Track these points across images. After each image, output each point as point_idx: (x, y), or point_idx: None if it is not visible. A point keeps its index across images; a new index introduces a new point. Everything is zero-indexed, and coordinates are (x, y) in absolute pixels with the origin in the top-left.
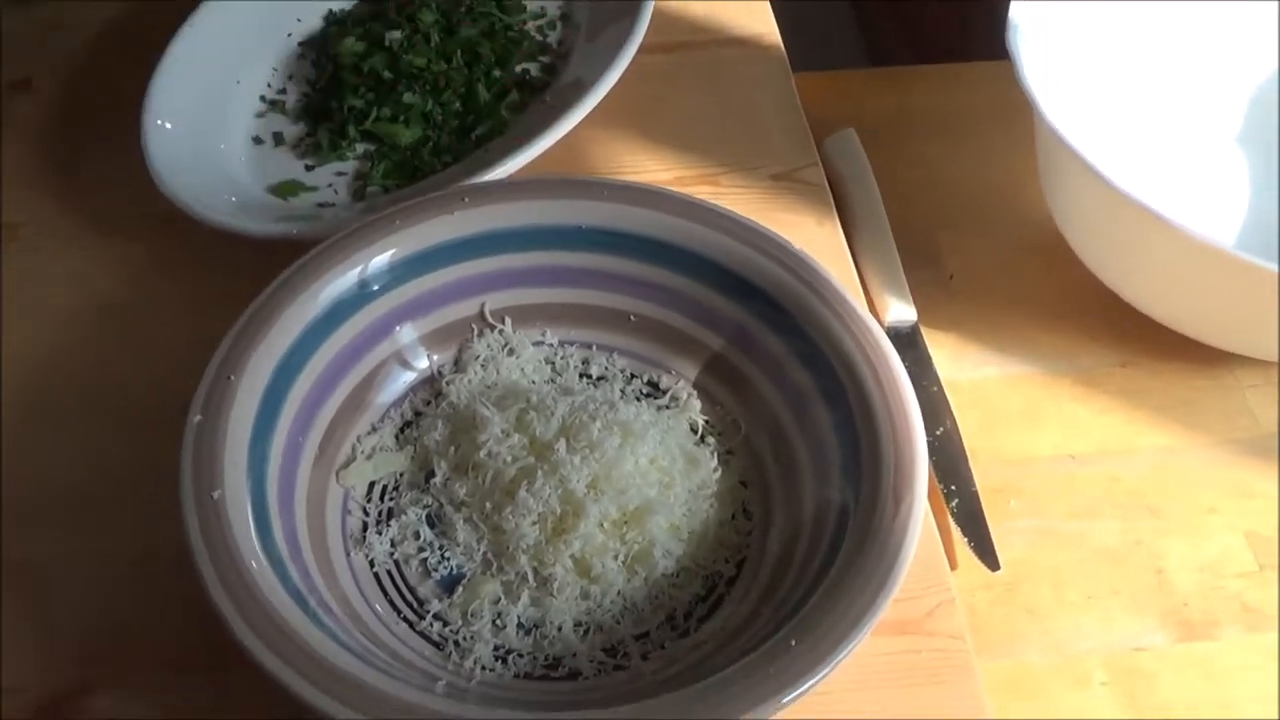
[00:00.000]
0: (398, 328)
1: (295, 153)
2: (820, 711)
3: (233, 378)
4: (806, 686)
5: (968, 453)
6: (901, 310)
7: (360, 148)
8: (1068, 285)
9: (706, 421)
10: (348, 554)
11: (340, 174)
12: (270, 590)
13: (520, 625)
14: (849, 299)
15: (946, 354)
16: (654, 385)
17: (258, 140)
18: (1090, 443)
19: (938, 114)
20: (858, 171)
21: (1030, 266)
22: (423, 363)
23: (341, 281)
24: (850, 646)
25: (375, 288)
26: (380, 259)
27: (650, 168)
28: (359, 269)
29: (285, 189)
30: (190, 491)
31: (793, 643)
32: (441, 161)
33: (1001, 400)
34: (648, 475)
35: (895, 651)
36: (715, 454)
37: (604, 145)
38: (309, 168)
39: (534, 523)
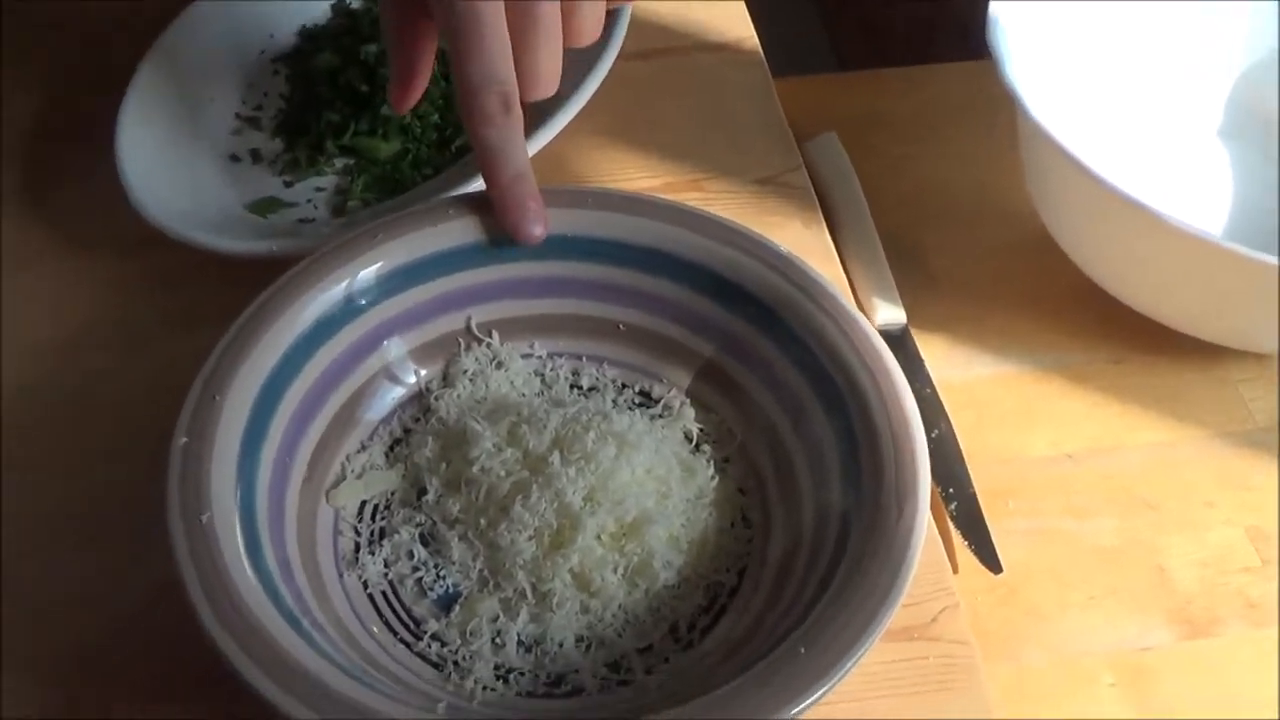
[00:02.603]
0: (385, 342)
1: (273, 169)
2: None
3: (218, 397)
4: (817, 695)
5: (964, 455)
6: (891, 312)
7: (339, 162)
8: (1056, 282)
9: (701, 430)
10: (340, 576)
11: (319, 189)
12: (265, 615)
13: (520, 643)
14: (842, 301)
15: (937, 355)
16: (646, 395)
17: (234, 158)
18: (1084, 440)
19: (914, 116)
20: (840, 175)
21: (1017, 265)
22: (410, 377)
23: (328, 296)
24: (860, 653)
25: (362, 302)
26: (367, 272)
27: (635, 175)
28: (345, 283)
29: (264, 206)
30: (178, 515)
31: (801, 650)
32: (421, 174)
33: (994, 400)
34: (644, 485)
35: (901, 659)
36: (711, 462)
37: (587, 154)
38: (287, 184)
39: (530, 537)
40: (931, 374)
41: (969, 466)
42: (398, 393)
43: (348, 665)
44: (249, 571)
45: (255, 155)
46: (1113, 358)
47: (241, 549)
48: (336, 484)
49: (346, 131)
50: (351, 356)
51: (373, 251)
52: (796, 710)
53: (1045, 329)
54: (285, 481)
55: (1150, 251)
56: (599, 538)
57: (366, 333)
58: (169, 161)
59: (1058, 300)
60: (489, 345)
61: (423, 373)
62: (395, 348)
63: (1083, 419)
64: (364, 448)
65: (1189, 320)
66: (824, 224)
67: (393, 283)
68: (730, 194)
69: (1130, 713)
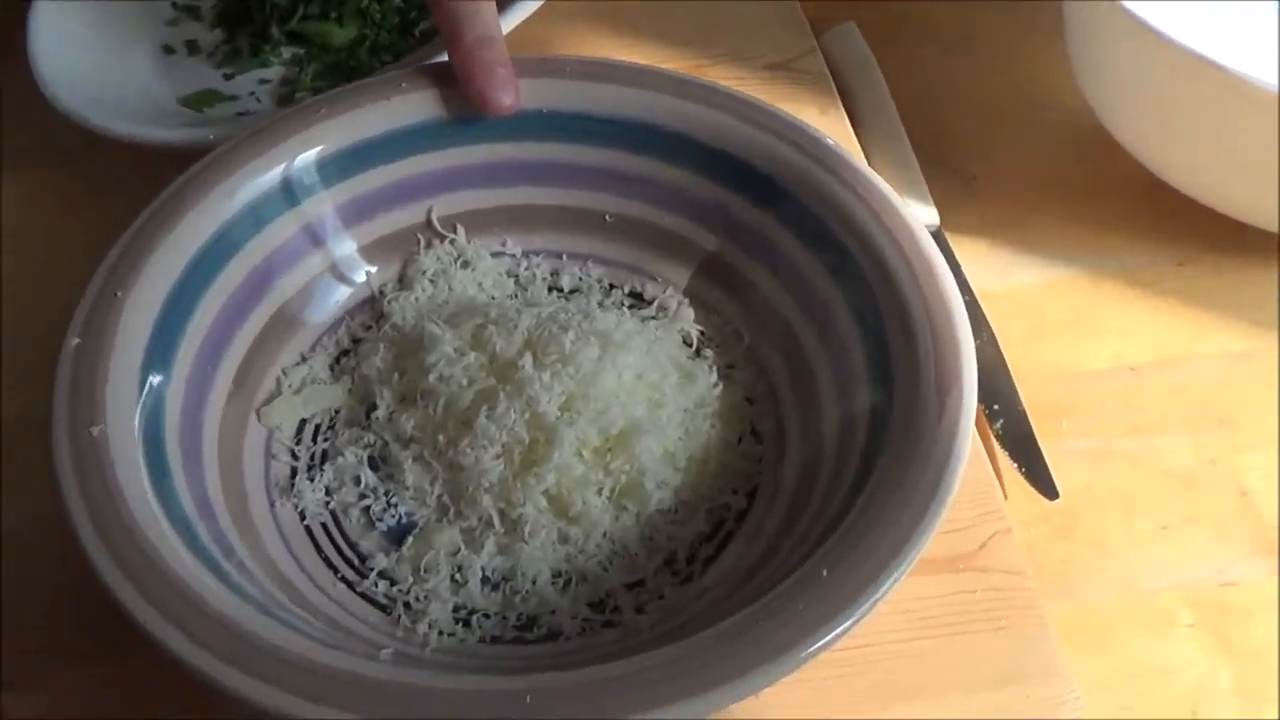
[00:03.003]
0: (330, 237)
1: (211, 61)
2: (857, 667)
3: (120, 293)
4: (842, 627)
5: (1010, 369)
6: (921, 212)
7: (286, 51)
8: (1111, 178)
9: (702, 333)
10: (272, 505)
11: (264, 81)
12: (168, 548)
13: (485, 579)
14: (864, 171)
15: (976, 260)
16: (638, 296)
17: (169, 49)
18: (1148, 351)
19: (938, 11)
20: (861, 66)
21: (1066, 160)
22: (360, 277)
23: (260, 181)
24: (895, 575)
25: (302, 188)
26: (308, 153)
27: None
28: (282, 166)
29: (200, 100)
30: (64, 428)
31: (824, 572)
32: (380, 61)
33: (1043, 308)
34: (633, 392)
35: (944, 593)
36: (714, 368)
37: (570, 36)
38: (228, 76)
39: (497, 455)
40: (970, 280)
41: (1016, 382)
42: (344, 294)
43: (273, 609)
44: (150, 496)
45: (192, 47)
46: (1177, 258)
47: (143, 469)
48: (270, 400)
49: (294, 15)
50: (290, 252)
51: (314, 129)
52: (817, 645)
53: (1100, 229)
54: (205, 394)
55: (1222, 119)
56: (579, 453)
57: (307, 224)
58: (91, 48)
59: (1114, 197)
60: (453, 242)
61: (374, 272)
62: (342, 243)
63: (1145, 327)
64: (304, 359)
65: (1266, 212)
66: (843, 111)
67: (338, 166)
68: (736, 81)
69: (1214, 657)
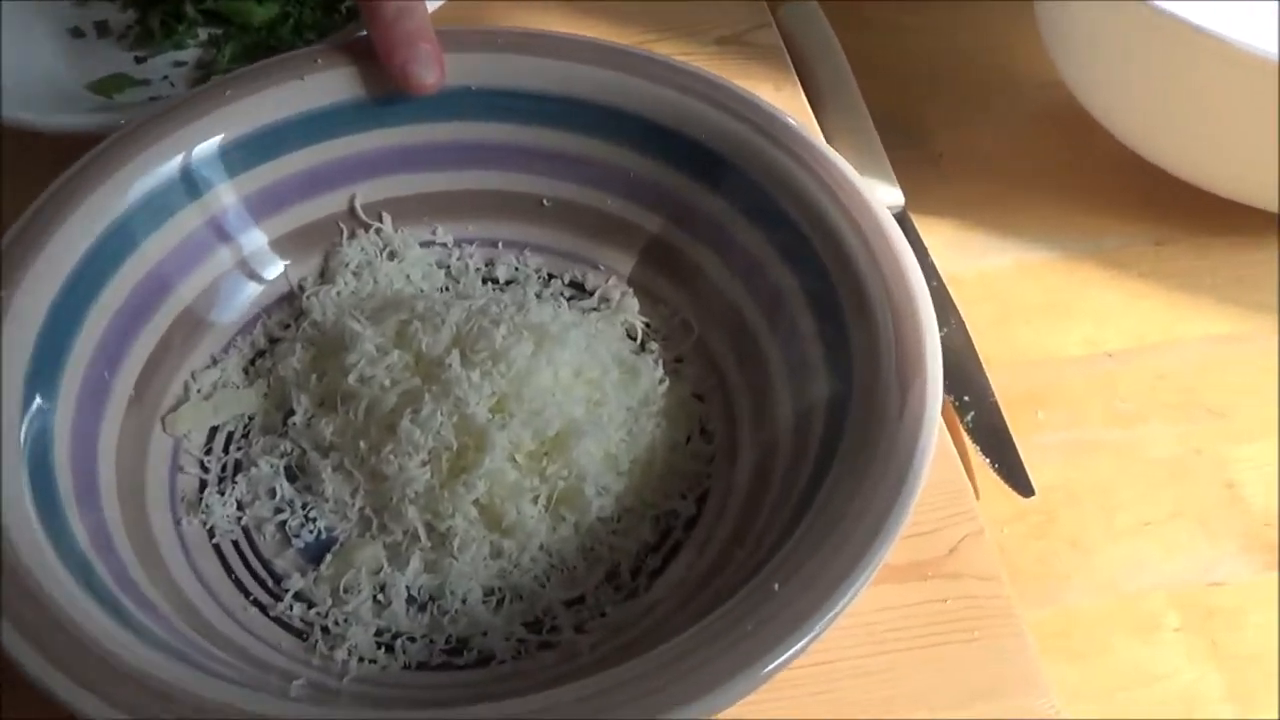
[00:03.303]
0: (240, 229)
1: (123, 44)
2: (815, 686)
3: (4, 293)
4: (796, 647)
5: (980, 357)
6: (885, 193)
7: (203, 32)
8: (1085, 155)
9: (647, 324)
10: (177, 523)
11: (179, 64)
12: (48, 575)
13: (411, 599)
14: (817, 145)
15: (944, 242)
16: (579, 286)
17: (77, 32)
18: (1126, 336)
19: None
20: (820, 44)
21: (1039, 138)
22: (274, 273)
23: (159, 171)
24: (856, 585)
25: (205, 176)
26: (210, 142)
27: None
28: (181, 153)
29: (109, 85)
30: None
31: (775, 586)
32: (304, 40)
33: (1015, 293)
34: (571, 390)
35: (911, 603)
36: (660, 363)
37: (509, 12)
38: (139, 60)
39: (423, 463)
40: (937, 264)
41: (988, 371)
42: (256, 292)
43: (174, 641)
44: (32, 516)
45: (102, 28)
46: (1155, 238)
47: (25, 487)
48: (177, 406)
49: None
50: (193, 248)
51: (219, 111)
52: (769, 667)
53: (1074, 209)
54: (101, 404)
55: (1204, 88)
56: (512, 459)
57: (214, 217)
58: None
59: (1088, 175)
60: (378, 231)
61: (290, 265)
62: (252, 237)
63: (1123, 311)
64: (215, 362)
65: (1250, 184)
66: (800, 87)
67: (245, 152)
68: (684, 55)
69: (1203, 662)
